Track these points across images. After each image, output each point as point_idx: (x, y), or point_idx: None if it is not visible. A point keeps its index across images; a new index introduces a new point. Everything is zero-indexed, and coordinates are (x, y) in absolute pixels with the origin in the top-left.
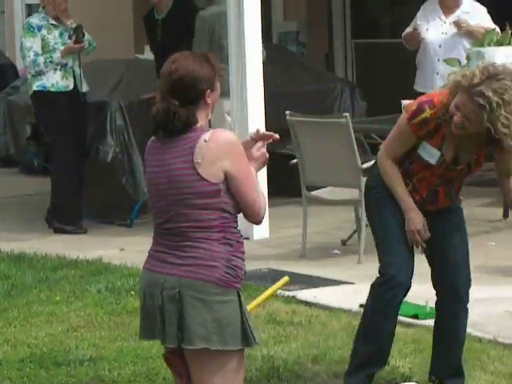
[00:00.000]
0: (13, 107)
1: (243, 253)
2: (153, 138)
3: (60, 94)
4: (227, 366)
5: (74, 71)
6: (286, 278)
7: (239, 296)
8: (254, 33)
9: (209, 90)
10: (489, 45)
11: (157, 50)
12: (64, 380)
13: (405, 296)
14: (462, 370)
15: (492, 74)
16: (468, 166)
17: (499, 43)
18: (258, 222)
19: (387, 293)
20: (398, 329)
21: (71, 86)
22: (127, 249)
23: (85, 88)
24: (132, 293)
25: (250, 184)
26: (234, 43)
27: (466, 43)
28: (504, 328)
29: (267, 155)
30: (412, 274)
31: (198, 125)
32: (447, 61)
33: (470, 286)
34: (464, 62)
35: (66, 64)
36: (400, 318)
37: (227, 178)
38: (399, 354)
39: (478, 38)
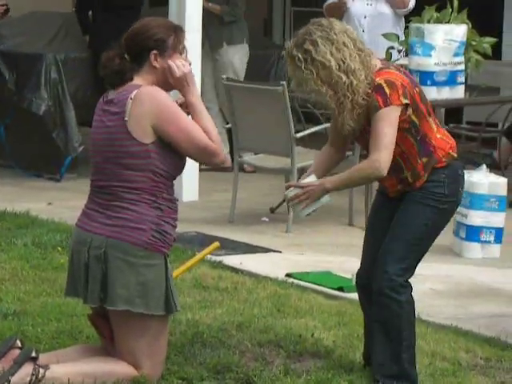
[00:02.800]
0: None
1: (175, 219)
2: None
3: None
4: (150, 330)
5: None
6: (215, 244)
7: (166, 261)
8: None
9: (155, 52)
10: (428, 21)
11: (119, 3)
12: None
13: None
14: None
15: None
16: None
17: (439, 20)
18: (220, 162)
19: None
20: (323, 300)
21: None
22: (55, 203)
23: None
24: (59, 248)
25: (187, 134)
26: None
27: (391, 15)
28: (428, 306)
29: (186, 70)
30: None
31: (137, 83)
32: (386, 36)
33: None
34: (402, 37)
35: None
36: (325, 289)
37: (159, 135)
38: (323, 327)
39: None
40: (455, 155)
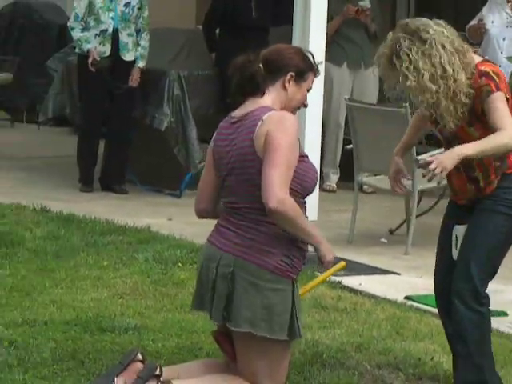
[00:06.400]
0: (71, 67)
1: (305, 243)
2: (225, 118)
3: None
4: (272, 354)
5: (117, 38)
6: (342, 264)
7: (293, 286)
8: None
9: (293, 74)
10: None
11: (248, 24)
12: (108, 346)
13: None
14: None
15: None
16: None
17: None
18: (267, 208)
19: None
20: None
21: (108, 53)
22: (175, 219)
23: (129, 57)
24: (179, 264)
25: (276, 159)
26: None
27: None
28: None
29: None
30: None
31: (267, 103)
32: (509, 58)
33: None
34: None
35: (106, 30)
36: None
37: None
38: (443, 350)
39: None
40: None
